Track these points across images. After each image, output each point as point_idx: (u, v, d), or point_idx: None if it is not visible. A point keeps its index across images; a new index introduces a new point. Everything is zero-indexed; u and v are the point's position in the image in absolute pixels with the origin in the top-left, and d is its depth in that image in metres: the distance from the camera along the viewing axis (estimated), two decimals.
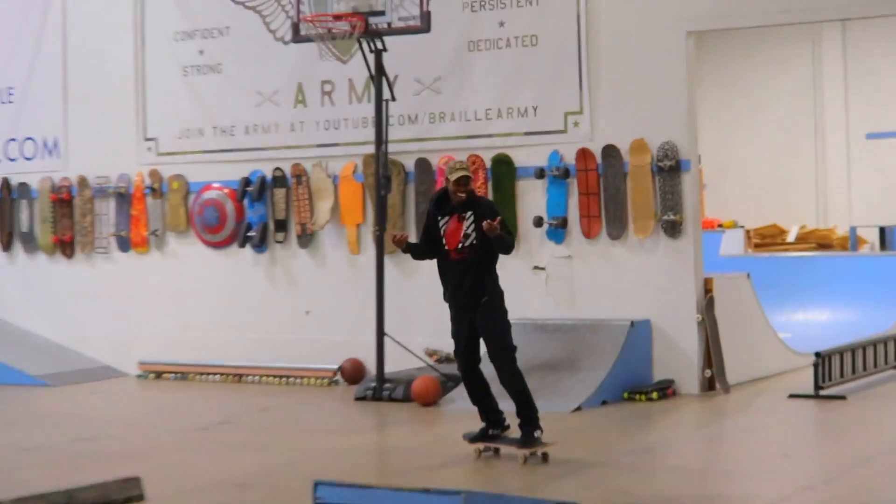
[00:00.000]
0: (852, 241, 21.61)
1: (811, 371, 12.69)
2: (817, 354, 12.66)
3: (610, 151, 13.66)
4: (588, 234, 13.73)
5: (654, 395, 12.79)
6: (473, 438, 10.14)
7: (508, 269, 12.54)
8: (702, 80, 24.97)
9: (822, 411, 12.21)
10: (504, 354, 9.94)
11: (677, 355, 13.27)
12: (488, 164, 14.18)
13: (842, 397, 12.54)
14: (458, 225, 9.87)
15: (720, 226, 22.18)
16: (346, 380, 14.58)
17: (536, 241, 14.02)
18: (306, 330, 15.14)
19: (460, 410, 11.72)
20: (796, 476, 9.47)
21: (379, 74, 13.62)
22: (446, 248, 9.95)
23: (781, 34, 23.11)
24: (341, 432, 11.82)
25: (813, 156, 24.82)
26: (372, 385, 13.39)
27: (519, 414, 9.94)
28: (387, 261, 13.92)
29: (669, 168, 13.33)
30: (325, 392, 14.32)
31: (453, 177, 9.79)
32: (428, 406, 12.77)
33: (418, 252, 10.33)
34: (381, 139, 13.71)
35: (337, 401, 13.70)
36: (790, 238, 22.31)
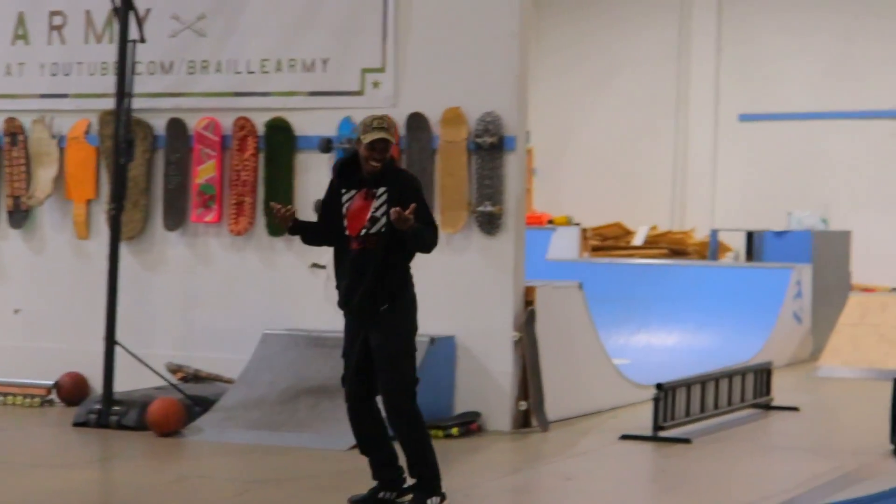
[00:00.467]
0: (713, 248, 22.19)
1: (650, 407, 13.04)
2: (659, 387, 12.98)
3: (416, 122, 13.81)
4: None
5: (455, 430, 12.96)
6: (358, 503, 9.70)
7: (278, 268, 12.61)
8: (541, 38, 25.51)
9: (661, 456, 12.54)
10: (401, 389, 9.49)
11: (486, 382, 13.46)
12: (260, 130, 14.20)
13: (686, 440, 12.92)
14: (365, 204, 9.30)
15: (550, 222, 22.50)
16: (64, 400, 14.44)
17: None
18: (14, 335, 14.97)
19: (210, 444, 11.72)
20: None
21: (125, 7, 13.50)
22: (347, 232, 9.38)
23: None
24: (54, 467, 11.69)
25: (672, 139, 25.44)
26: (96, 407, 13.24)
27: (412, 472, 9.56)
28: (124, 249, 13.82)
29: (490, 146, 13.49)
30: (35, 415, 14.14)
31: (367, 138, 9.18)
32: (167, 436, 12.73)
33: (312, 234, 9.75)
34: (123, 92, 13.56)
35: (51, 426, 13.54)
36: (636, 241, 22.85)
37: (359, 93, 14.01)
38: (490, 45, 13.57)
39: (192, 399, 13.05)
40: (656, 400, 13.00)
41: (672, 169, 25.19)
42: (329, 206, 9.56)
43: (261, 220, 14.01)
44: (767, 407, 15.18)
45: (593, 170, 24.92)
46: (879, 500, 9.88)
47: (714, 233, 22.56)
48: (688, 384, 13.55)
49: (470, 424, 13.18)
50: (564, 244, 21.13)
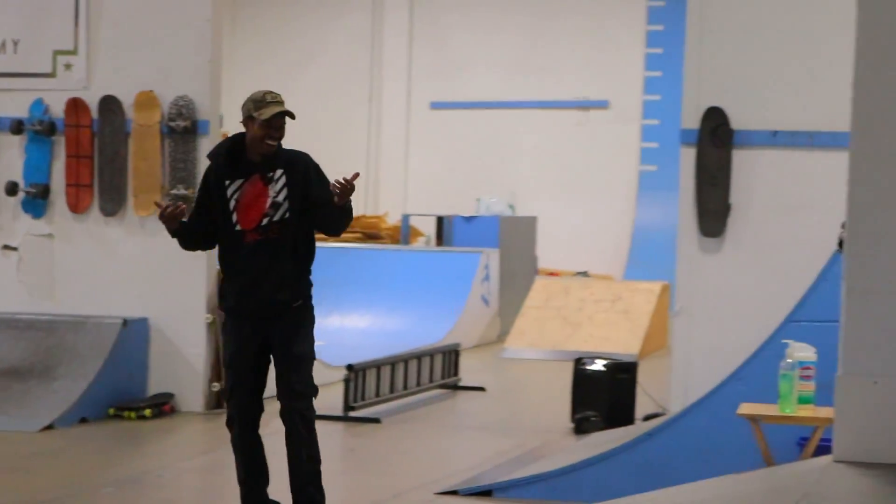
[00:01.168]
0: (404, 233, 22.45)
1: (342, 388, 13.19)
2: (349, 368, 13.18)
3: (109, 104, 13.72)
4: (76, 207, 13.74)
5: (148, 411, 12.97)
6: None
7: None
8: (238, 25, 25.47)
9: (351, 436, 12.72)
10: (309, 394, 8.31)
11: (179, 364, 13.50)
12: None
13: (375, 420, 13.13)
14: (263, 190, 8.14)
15: None
16: None
17: (9, 213, 13.89)
18: None
19: None
20: None
21: None
22: (238, 226, 8.17)
23: None
24: None
25: (366, 126, 25.63)
26: None
27: (301, 496, 8.30)
28: None
29: (184, 130, 13.52)
30: None
31: (266, 113, 8.06)
32: None
33: (189, 235, 8.38)
34: None
35: None
36: None
37: (51, 75, 13.84)
38: (183, 31, 13.58)
39: None
40: (347, 381, 13.18)
41: (366, 154, 25.42)
42: (205, 203, 8.28)
43: None
44: (455, 387, 15.49)
45: None
46: (562, 475, 10.18)
47: (406, 217, 22.85)
48: (377, 365, 13.75)
49: (163, 406, 13.18)
50: None
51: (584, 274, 22.32)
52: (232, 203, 8.11)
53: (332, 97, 25.19)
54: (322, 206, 8.17)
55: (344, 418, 13.07)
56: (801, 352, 9.36)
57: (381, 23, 25.82)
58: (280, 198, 8.12)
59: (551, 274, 21.96)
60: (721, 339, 10.87)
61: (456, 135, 25.20)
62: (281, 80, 25.31)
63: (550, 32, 25.22)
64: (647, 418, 12.38)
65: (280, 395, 8.23)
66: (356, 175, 8.18)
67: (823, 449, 8.50)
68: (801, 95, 11.11)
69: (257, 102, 8.06)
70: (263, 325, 8.23)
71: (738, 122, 11.25)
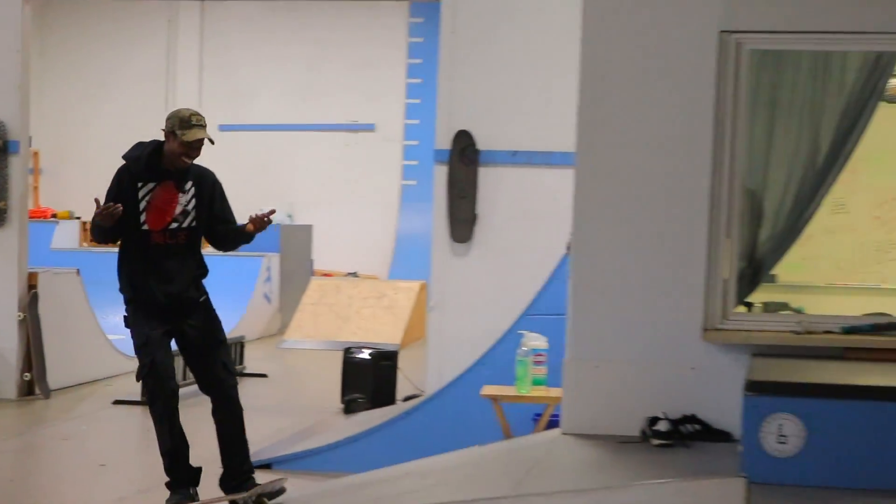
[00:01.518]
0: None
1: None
2: None
3: None
4: None
5: None
6: None
7: None
8: (46, 51, 24.98)
9: (146, 418, 12.56)
10: (234, 374, 8.40)
11: None
12: None
13: None
14: (173, 196, 7.91)
15: (54, 216, 22.23)
16: None
17: None
18: None
19: None
20: (112, 487, 9.78)
21: None
22: (146, 226, 7.90)
23: (140, 7, 23.46)
24: None
25: None
26: None
27: (242, 466, 8.36)
28: None
29: None
30: None
31: (190, 136, 7.80)
32: None
33: (110, 230, 7.95)
34: None
35: None
36: None
37: None
38: None
39: None
40: None
41: None
42: (118, 199, 7.83)
43: None
44: (241, 374, 15.40)
45: (93, 170, 24.56)
46: (332, 449, 10.25)
47: None
48: (174, 355, 13.61)
49: None
50: (66, 235, 20.93)
51: (354, 274, 22.35)
52: (143, 204, 7.82)
53: (131, 118, 24.86)
54: (222, 222, 8.13)
55: (142, 403, 12.93)
56: (535, 341, 9.56)
57: (175, 54, 25.54)
58: (189, 206, 7.92)
59: (325, 275, 21.95)
60: (469, 331, 10.98)
61: (243, 153, 25.04)
62: (86, 102, 25.05)
63: (326, 64, 25.20)
64: (407, 399, 12.48)
65: (213, 376, 8.19)
66: (272, 211, 8.12)
67: (553, 423, 8.71)
68: (537, 120, 11.29)
69: (183, 122, 7.79)
70: (171, 316, 8.05)
71: (483, 143, 11.40)
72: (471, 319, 11.09)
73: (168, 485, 8.24)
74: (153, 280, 7.98)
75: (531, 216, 11.00)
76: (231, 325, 17.78)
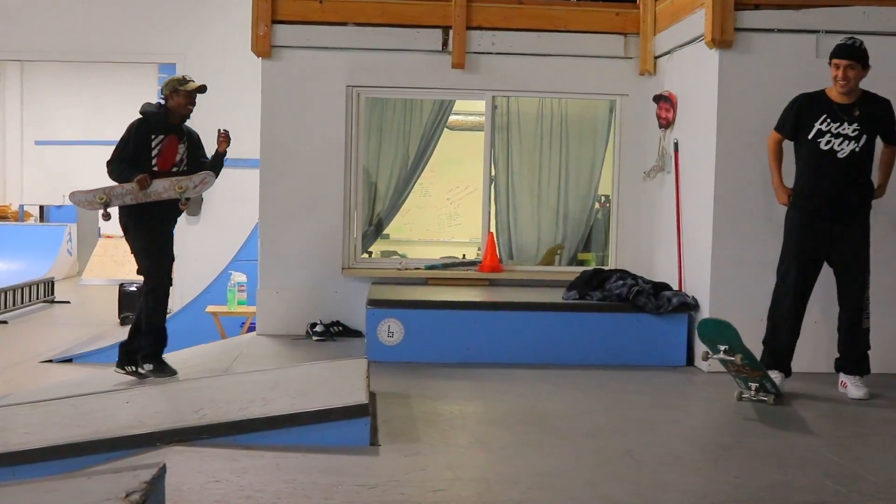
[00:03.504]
0: (21, 215, 20.77)
1: None
2: None
3: None
4: None
5: None
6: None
7: None
8: None
9: None
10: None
11: None
12: None
13: (3, 322, 12.11)
14: (175, 146, 6.56)
15: None
16: None
17: None
18: None
19: None
20: None
21: None
22: (156, 168, 6.46)
23: None
24: None
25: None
26: None
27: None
28: None
29: None
30: None
31: (191, 87, 6.49)
32: None
33: (127, 176, 6.44)
34: None
35: None
36: None
37: None
38: None
39: None
40: None
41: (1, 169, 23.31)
42: (134, 150, 6.42)
43: None
44: (52, 302, 14.49)
45: None
46: (114, 348, 9.74)
47: (21, 206, 21.08)
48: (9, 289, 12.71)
49: None
50: None
51: None
52: (155, 151, 6.48)
53: None
54: (202, 164, 6.59)
55: None
56: (239, 277, 9.37)
57: (3, 101, 23.64)
58: (184, 154, 6.55)
59: (108, 237, 20.77)
60: (199, 272, 10.56)
61: (50, 162, 23.39)
62: None
63: (108, 97, 23.74)
64: None
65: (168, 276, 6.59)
66: (224, 130, 6.69)
67: (252, 328, 8.55)
68: (240, 137, 10.96)
69: (180, 81, 6.51)
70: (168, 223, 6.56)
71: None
72: (201, 265, 10.73)
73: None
74: (157, 204, 6.45)
75: (236, 199, 10.69)
76: (45, 270, 16.77)
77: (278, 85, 7.46)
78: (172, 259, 6.55)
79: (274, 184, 7.50)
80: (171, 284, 6.60)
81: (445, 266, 7.76)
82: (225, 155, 6.74)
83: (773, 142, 5.77)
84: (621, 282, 6.71)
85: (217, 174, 6.65)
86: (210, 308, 9.42)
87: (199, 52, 10.83)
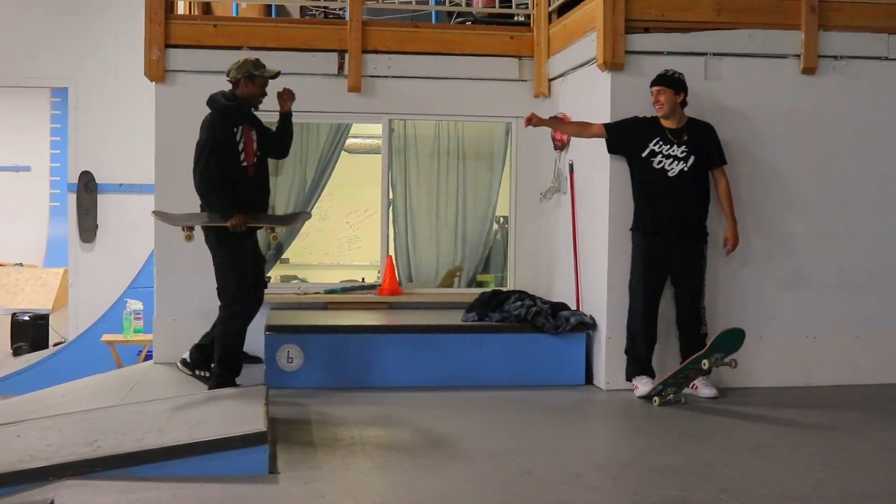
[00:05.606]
0: None
1: None
2: None
3: None
4: None
5: None
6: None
7: None
8: None
9: None
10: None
11: None
12: None
13: None
14: (252, 136, 5.97)
15: None
16: None
17: None
18: None
19: None
20: None
21: None
22: (245, 163, 5.93)
23: None
24: None
25: None
26: None
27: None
28: None
29: None
30: None
31: (270, 72, 5.98)
32: None
33: (229, 197, 5.88)
34: None
35: None
36: None
37: None
38: None
39: None
40: None
41: None
42: (221, 149, 5.86)
43: None
44: None
45: None
46: (7, 379, 9.38)
47: None
48: None
49: None
50: None
51: (20, 265, 20.57)
52: (240, 145, 5.87)
53: None
54: (269, 138, 6.11)
55: None
56: (135, 304, 9.11)
57: None
58: (259, 141, 6.01)
59: (1, 265, 20.07)
60: (95, 299, 10.29)
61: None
62: None
63: None
64: (56, 344, 11.62)
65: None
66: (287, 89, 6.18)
67: (149, 356, 8.32)
68: (136, 164, 10.64)
69: (256, 65, 5.93)
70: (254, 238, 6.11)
71: (99, 178, 10.71)
72: (96, 292, 10.43)
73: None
74: (249, 204, 5.94)
75: (132, 225, 10.42)
76: None
77: (172, 109, 7.29)
78: (264, 284, 6.21)
79: (169, 209, 7.31)
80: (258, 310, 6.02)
81: (345, 290, 7.69)
82: (291, 115, 6.10)
83: (595, 127, 6.20)
84: (519, 303, 6.74)
85: (291, 137, 6.11)
86: (106, 337, 9.14)
87: (92, 76, 10.57)
